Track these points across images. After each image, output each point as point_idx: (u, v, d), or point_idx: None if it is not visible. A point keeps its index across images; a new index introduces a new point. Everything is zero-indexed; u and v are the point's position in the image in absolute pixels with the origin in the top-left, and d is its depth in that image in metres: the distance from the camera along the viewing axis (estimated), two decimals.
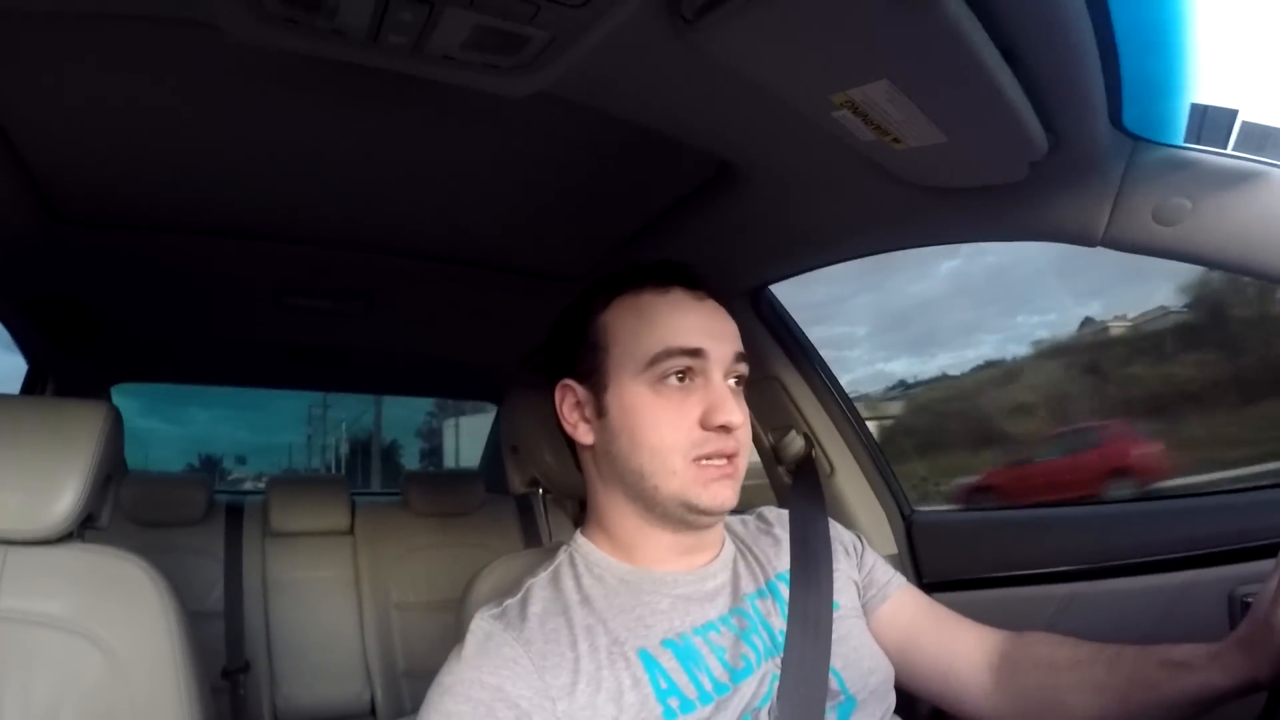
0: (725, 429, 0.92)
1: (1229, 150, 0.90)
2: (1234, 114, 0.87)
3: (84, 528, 1.20)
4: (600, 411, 0.98)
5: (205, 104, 1.10)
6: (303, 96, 1.07)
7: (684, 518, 0.95)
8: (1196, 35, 0.79)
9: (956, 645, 1.04)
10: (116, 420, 1.23)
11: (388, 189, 1.38)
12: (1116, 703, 0.90)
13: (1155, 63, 0.83)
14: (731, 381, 0.97)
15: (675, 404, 0.93)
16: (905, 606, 1.09)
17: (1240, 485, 1.06)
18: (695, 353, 0.93)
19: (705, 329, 0.96)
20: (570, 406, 1.02)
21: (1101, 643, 0.95)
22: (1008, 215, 1.09)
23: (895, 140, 0.93)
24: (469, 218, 1.51)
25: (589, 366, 0.99)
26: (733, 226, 1.37)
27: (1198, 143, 0.91)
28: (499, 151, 1.24)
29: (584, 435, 1.01)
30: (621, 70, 0.91)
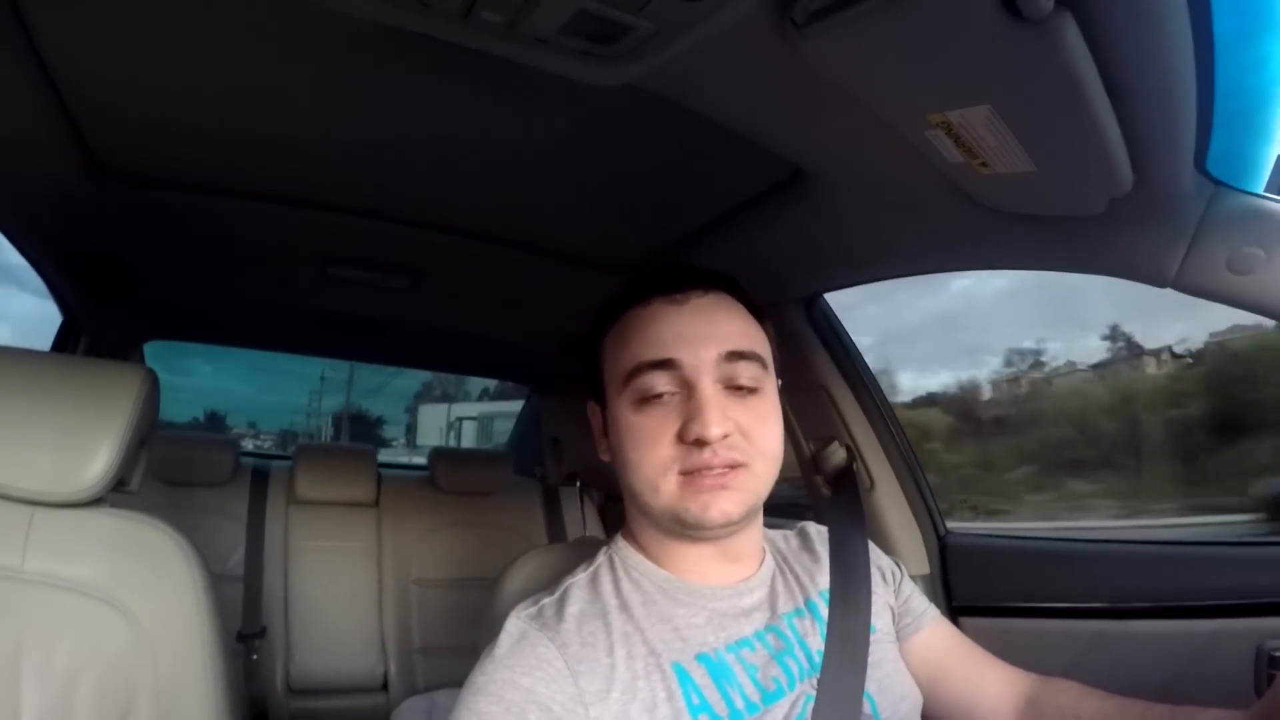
0: (701, 443, 0.88)
1: None
2: None
3: (114, 491, 1.19)
4: (606, 432, 1.01)
5: (264, 66, 1.09)
6: (367, 66, 1.06)
7: (683, 532, 0.95)
8: None
9: (984, 683, 1.05)
10: (154, 384, 1.22)
11: (445, 165, 1.37)
12: None
13: (1247, 110, 0.84)
14: (738, 382, 0.93)
15: (654, 421, 0.92)
16: (938, 638, 1.09)
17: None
18: (665, 364, 0.92)
19: (679, 335, 0.93)
20: (596, 424, 1.04)
21: (1129, 699, 0.95)
22: (1080, 248, 1.10)
23: (983, 165, 0.93)
24: (526, 200, 1.50)
25: (596, 389, 1.03)
26: (797, 232, 1.37)
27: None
28: (566, 136, 1.23)
29: (604, 453, 1.03)
30: (718, 69, 0.91)
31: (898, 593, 1.12)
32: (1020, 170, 0.92)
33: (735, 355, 0.93)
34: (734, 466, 0.90)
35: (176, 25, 1.01)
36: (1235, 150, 0.89)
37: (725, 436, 0.89)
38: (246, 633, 2.49)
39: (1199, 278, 0.99)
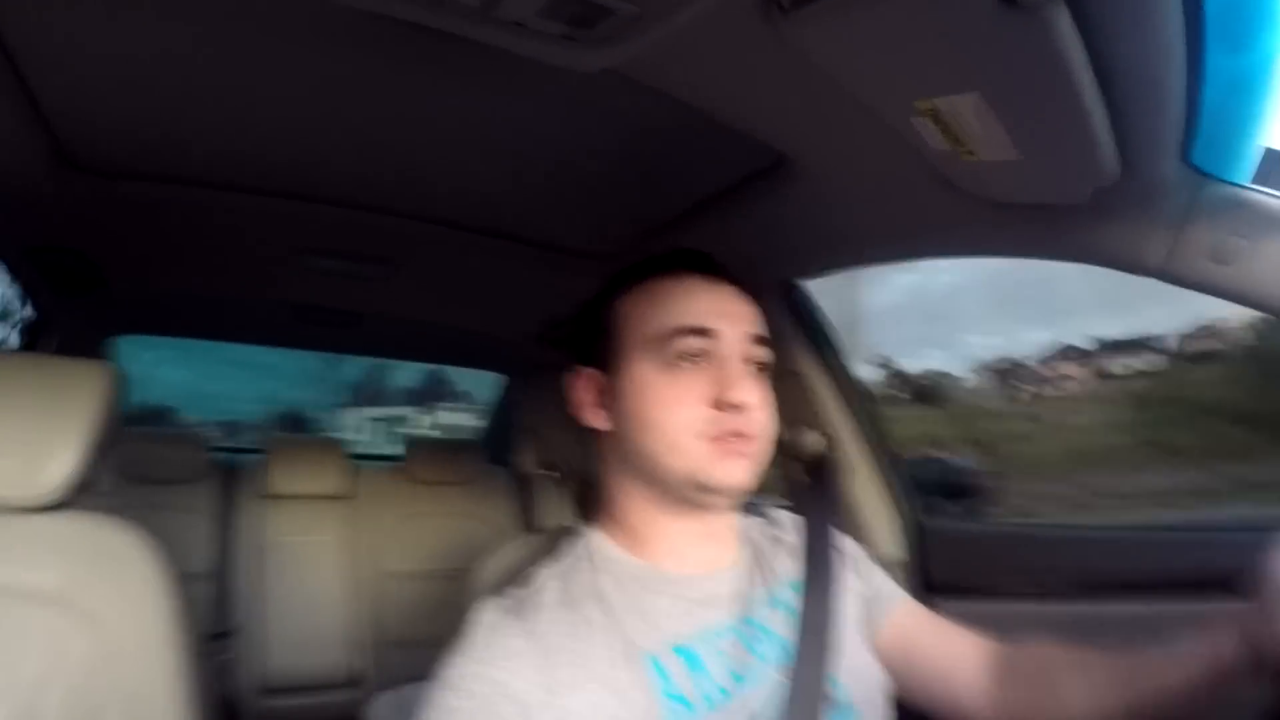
0: (737, 407, 0.90)
1: None
2: None
3: (78, 494, 1.14)
4: (613, 396, 0.98)
5: (233, 51, 1.05)
6: (339, 51, 1.03)
7: (696, 499, 0.94)
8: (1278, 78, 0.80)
9: (959, 657, 1.04)
10: (118, 381, 1.17)
11: (419, 152, 1.34)
12: (1117, 694, 0.89)
13: (1234, 103, 0.84)
14: (751, 367, 0.96)
15: (685, 384, 0.92)
16: (908, 619, 1.09)
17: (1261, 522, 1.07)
18: (705, 332, 0.93)
19: (717, 310, 0.95)
20: (585, 393, 1.02)
21: (1110, 653, 0.95)
22: (1064, 237, 1.09)
23: (968, 152, 0.92)
24: (502, 187, 1.48)
25: (601, 352, 1.00)
26: (777, 219, 1.36)
27: (1264, 185, 0.92)
28: (543, 122, 1.21)
29: (598, 421, 1.01)
30: (701, 54, 0.90)
31: (863, 577, 1.11)
32: (1006, 158, 0.92)
33: (759, 338, 0.97)
34: (751, 438, 0.92)
35: (142, 14, 0.98)
36: (1221, 141, 0.89)
37: (756, 405, 0.92)
38: (219, 632, 2.47)
39: (1182, 268, 0.99)
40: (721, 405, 0.90)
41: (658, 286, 0.99)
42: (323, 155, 1.38)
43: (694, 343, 0.93)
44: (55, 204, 1.53)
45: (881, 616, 1.08)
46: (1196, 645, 0.85)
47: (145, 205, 1.57)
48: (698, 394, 0.92)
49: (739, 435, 0.91)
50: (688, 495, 0.94)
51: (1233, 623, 0.82)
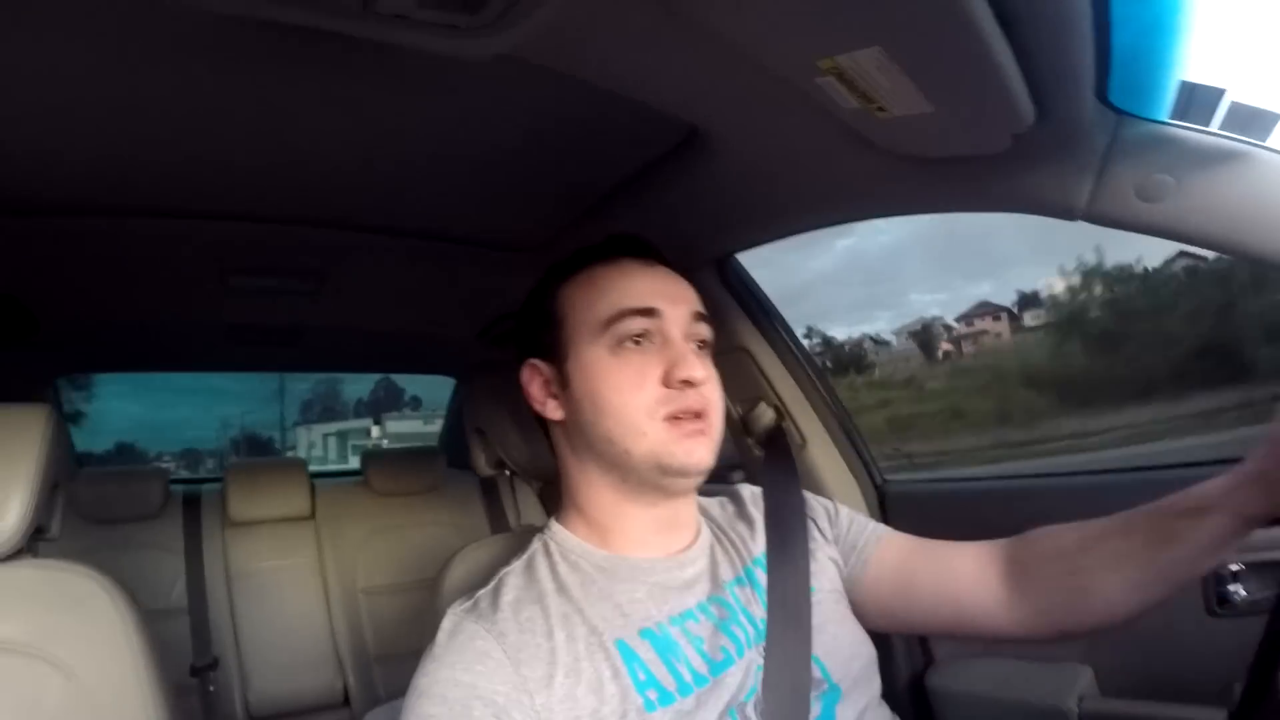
0: (688, 383, 0.92)
1: (1215, 129, 0.88)
2: (1222, 93, 0.85)
3: (34, 540, 1.14)
4: (564, 383, 0.99)
5: (135, 73, 1.02)
6: (245, 62, 1.00)
7: (659, 481, 0.94)
8: (1190, 12, 0.77)
9: (956, 569, 1.02)
10: (59, 423, 1.16)
11: (337, 161, 1.31)
12: (1140, 567, 0.88)
13: (1146, 38, 0.81)
14: (694, 345, 0.97)
15: (635, 365, 0.93)
16: (890, 553, 1.07)
17: (1224, 456, 1.08)
18: (648, 312, 0.95)
19: (657, 290, 0.98)
20: (537, 385, 1.02)
21: (1107, 518, 0.94)
22: (987, 186, 1.07)
23: (879, 109, 0.89)
24: (423, 189, 1.45)
25: (550, 342, 1.01)
26: (700, 194, 1.34)
27: (1184, 120, 0.90)
28: (454, 118, 1.19)
29: (552, 411, 1.01)
30: (591, 31, 0.88)
31: (837, 539, 1.10)
32: (919, 111, 0.89)
33: (699, 316, 1.00)
34: (703, 414, 0.94)
35: (34, 44, 0.94)
36: (1137, 79, 0.87)
37: (705, 381, 0.94)
38: (199, 665, 2.41)
39: (1109, 208, 0.98)
40: (672, 383, 0.92)
41: (597, 273, 1.00)
42: (237, 172, 1.34)
43: (638, 323, 0.94)
44: None
45: (863, 565, 1.07)
46: (1210, 491, 0.85)
47: (62, 240, 1.53)
48: (648, 374, 0.93)
49: (694, 414, 0.93)
50: (650, 478, 0.94)
51: (1244, 482, 0.82)
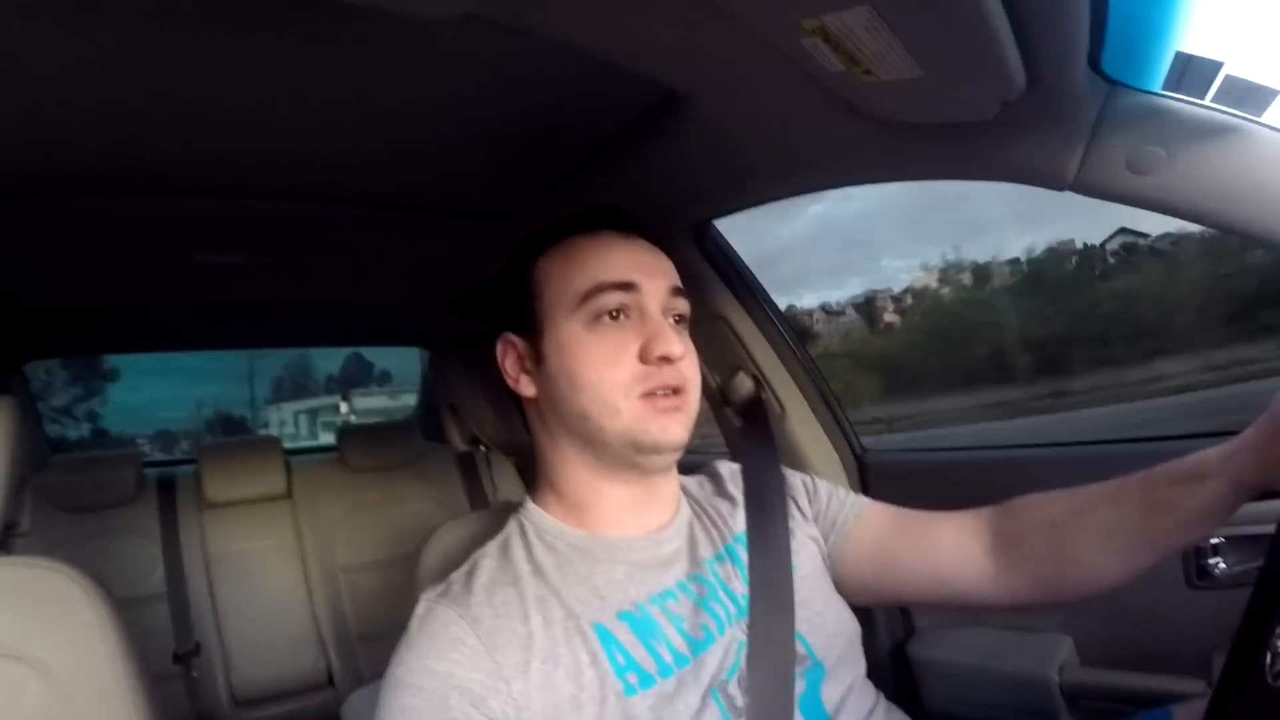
0: (666, 360, 0.91)
1: (1209, 102, 0.86)
2: (1218, 66, 0.83)
3: (6, 537, 1.13)
4: (539, 359, 0.97)
5: (88, 46, 0.97)
6: (201, 32, 0.95)
7: (633, 460, 0.93)
8: None
9: (938, 542, 1.02)
10: (24, 413, 1.13)
11: (299, 130, 1.26)
12: (1131, 536, 0.89)
13: (1143, 6, 0.79)
14: (671, 319, 0.96)
15: (612, 341, 0.92)
16: (870, 529, 1.07)
17: (1213, 430, 1.08)
18: (626, 286, 0.93)
19: (635, 263, 0.96)
20: (511, 360, 1.00)
21: (1095, 485, 0.94)
22: (975, 155, 1.05)
23: (866, 73, 0.86)
24: (391, 157, 1.41)
25: (525, 316, 0.99)
26: (676, 159, 1.31)
27: (1177, 92, 0.88)
28: (422, 84, 1.14)
29: (526, 387, 0.99)
30: None
31: (818, 517, 1.09)
32: (906, 76, 0.86)
33: (677, 290, 0.98)
34: (680, 390, 0.93)
35: None
36: (1131, 48, 0.85)
37: (682, 357, 0.93)
38: (182, 652, 2.40)
39: (1098, 179, 0.96)
40: (649, 359, 0.91)
41: (574, 245, 0.98)
42: (197, 146, 1.29)
43: (615, 297, 0.93)
44: None
45: (843, 541, 1.06)
46: (1207, 458, 0.85)
47: (19, 223, 1.47)
48: (625, 349, 0.92)
49: (670, 390, 0.92)
50: (625, 456, 0.93)
51: (1242, 451, 0.83)
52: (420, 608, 0.87)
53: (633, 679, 0.83)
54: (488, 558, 0.94)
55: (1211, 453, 0.84)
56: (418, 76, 1.12)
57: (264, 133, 1.26)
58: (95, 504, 2.52)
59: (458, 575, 0.92)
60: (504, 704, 0.78)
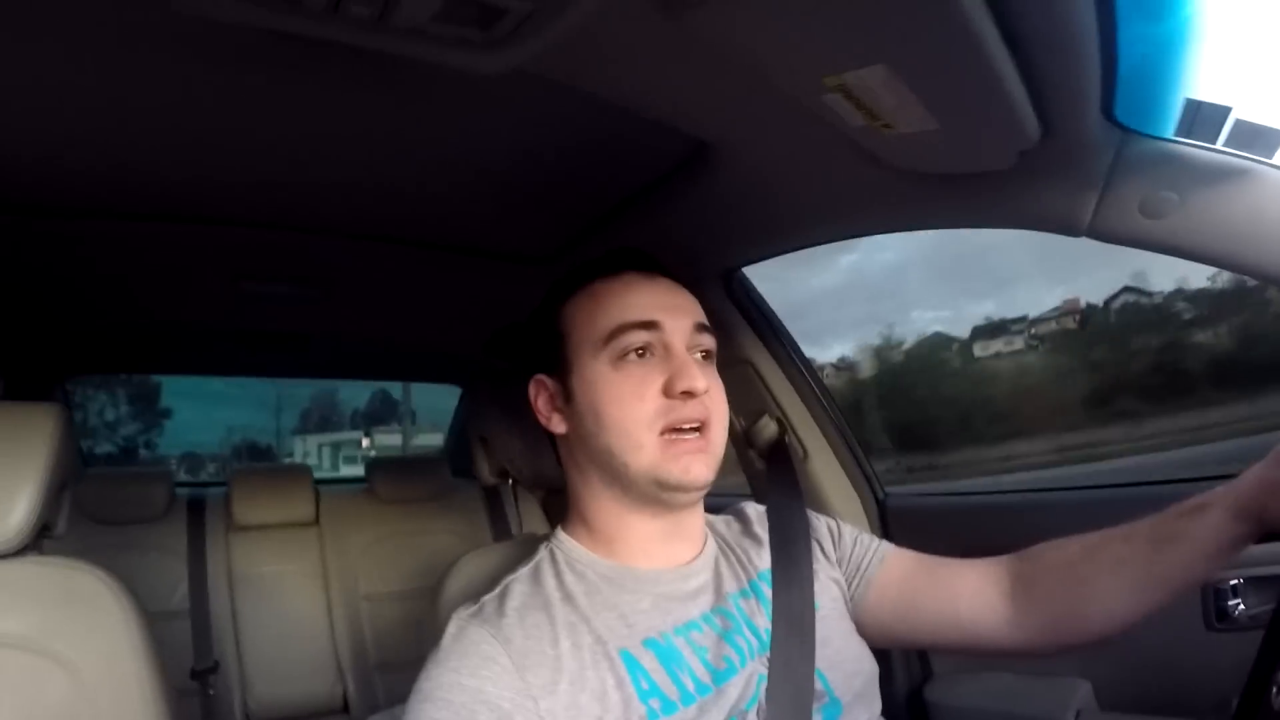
0: (689, 394, 0.92)
1: (1219, 146, 0.88)
2: (1227, 110, 0.85)
3: (40, 538, 1.15)
4: (568, 397, 0.99)
5: (153, 82, 1.03)
6: (257, 73, 1.01)
7: (658, 496, 0.94)
8: (1196, 30, 0.78)
9: (958, 588, 1.03)
10: (68, 421, 1.17)
11: (347, 169, 1.32)
12: (1141, 570, 0.89)
13: (1152, 56, 0.82)
14: (697, 355, 0.98)
15: (637, 377, 0.94)
16: (893, 572, 1.08)
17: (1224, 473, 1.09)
18: (649, 325, 0.95)
19: (658, 303, 0.98)
20: (543, 400, 1.03)
21: (1108, 529, 0.95)
22: (993, 203, 1.08)
23: (886, 125, 0.90)
24: (434, 200, 1.46)
25: (554, 357, 1.01)
26: (708, 208, 1.35)
27: (1189, 138, 0.90)
28: (464, 130, 1.19)
29: (557, 425, 1.02)
30: (603, 47, 0.88)
31: (840, 561, 1.10)
32: (924, 129, 0.90)
33: (702, 327, 1.00)
34: (703, 426, 0.94)
35: (50, 53, 0.95)
36: (1143, 96, 0.88)
37: (706, 391, 0.93)
38: (199, 668, 2.41)
39: (1113, 225, 0.98)
40: (672, 393, 0.92)
41: (600, 288, 1.00)
42: (250, 180, 1.35)
43: (640, 336, 0.95)
44: None
45: (865, 585, 1.08)
46: (1214, 493, 0.86)
47: (79, 242, 1.54)
48: (649, 385, 0.93)
49: (693, 428, 0.93)
50: (650, 492, 0.94)
51: (1245, 484, 0.84)
52: (453, 626, 0.89)
53: (656, 704, 0.84)
54: (519, 582, 0.95)
55: (1218, 488, 0.86)
56: (462, 124, 1.17)
57: (315, 170, 1.31)
58: (125, 518, 2.56)
59: (490, 597, 0.93)
60: None
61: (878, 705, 1.01)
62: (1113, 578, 0.91)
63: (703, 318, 1.01)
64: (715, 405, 0.96)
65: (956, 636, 1.04)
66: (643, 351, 0.95)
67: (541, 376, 1.03)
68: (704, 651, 0.91)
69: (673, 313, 0.97)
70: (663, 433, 0.92)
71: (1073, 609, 0.95)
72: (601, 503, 0.99)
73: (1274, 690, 0.70)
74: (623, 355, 0.95)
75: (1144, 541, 0.89)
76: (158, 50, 0.96)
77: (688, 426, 0.93)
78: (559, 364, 1.00)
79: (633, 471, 0.93)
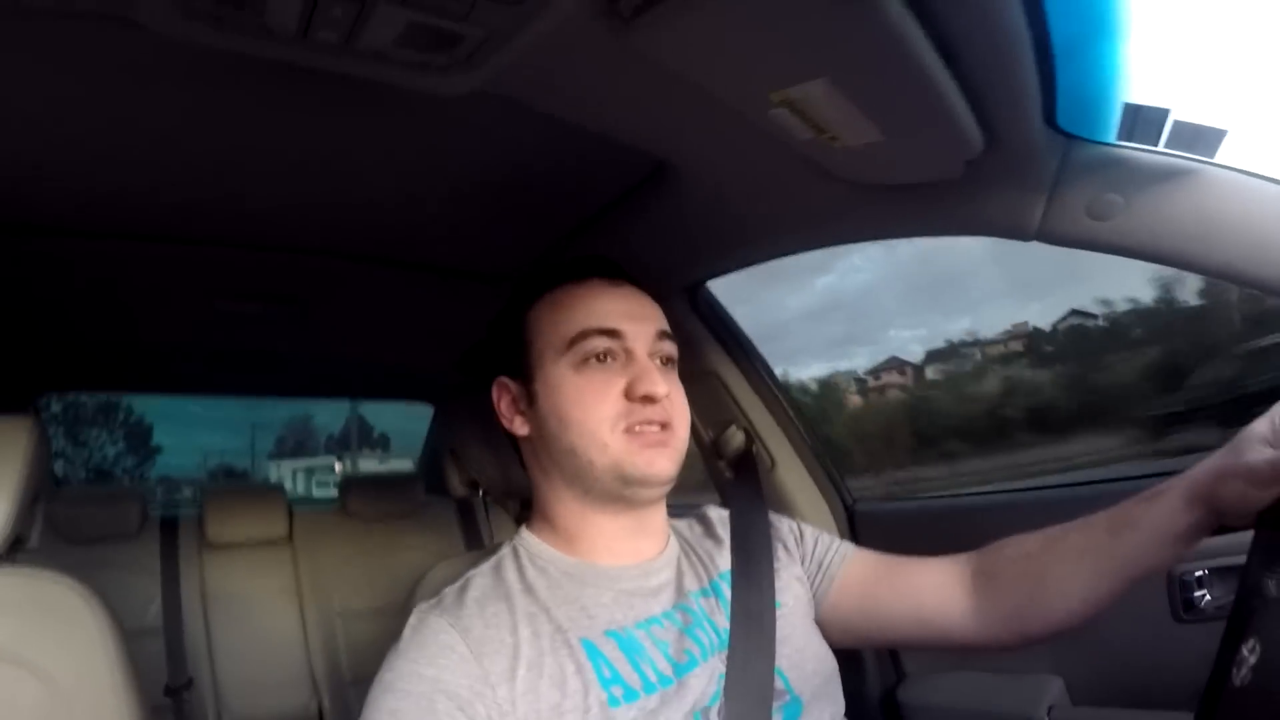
0: (649, 399, 0.94)
1: (1161, 148, 0.91)
2: (1166, 113, 0.87)
3: (12, 550, 1.14)
4: (530, 400, 1.01)
5: (125, 103, 1.04)
6: (228, 94, 1.02)
7: (621, 492, 0.96)
8: (1130, 35, 0.80)
9: (920, 584, 1.04)
10: (42, 435, 1.17)
11: (318, 189, 1.33)
12: (1098, 558, 0.90)
13: (1089, 63, 0.84)
14: (658, 361, 0.99)
15: (599, 380, 0.95)
16: (854, 571, 1.09)
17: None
18: (612, 333, 0.97)
19: (621, 311, 0.99)
20: (506, 402, 1.04)
21: (1067, 523, 0.95)
22: (943, 212, 1.10)
23: (833, 138, 0.92)
24: (401, 218, 1.47)
25: (518, 361, 1.03)
26: (669, 224, 1.36)
27: (1130, 140, 0.92)
28: (430, 150, 1.21)
29: (520, 427, 1.03)
30: (557, 69, 0.90)
31: (803, 558, 1.11)
32: (869, 140, 0.92)
33: (664, 334, 1.01)
34: (666, 425, 0.96)
35: (24, 71, 0.96)
36: (1084, 103, 0.90)
37: (666, 395, 0.95)
38: (174, 685, 2.39)
39: (1061, 229, 1.00)
40: (633, 397, 0.94)
41: (564, 293, 1.02)
42: (226, 199, 1.36)
43: (602, 342, 0.96)
44: None
45: (830, 582, 1.08)
46: (1172, 481, 0.86)
47: (51, 261, 1.54)
48: (610, 388, 0.95)
49: (657, 425, 0.95)
50: (613, 489, 0.96)
51: (1199, 471, 0.84)
52: (413, 618, 0.90)
53: (617, 691, 0.85)
54: (480, 575, 0.97)
55: (1179, 477, 0.86)
56: (427, 144, 1.18)
57: (287, 190, 1.33)
58: (98, 536, 2.53)
59: (450, 590, 0.95)
60: (489, 709, 0.81)
61: (840, 704, 1.02)
62: (1072, 567, 0.92)
63: (665, 325, 1.02)
64: (676, 408, 0.98)
65: (921, 632, 1.04)
66: (604, 356, 0.96)
67: (505, 379, 1.04)
68: (665, 645, 0.92)
69: (635, 320, 0.99)
70: (626, 430, 0.94)
71: (1033, 599, 0.95)
72: (565, 503, 1.00)
73: (1234, 670, 0.71)
74: (585, 360, 0.96)
75: (1102, 530, 0.90)
76: (133, 73, 0.97)
77: (650, 425, 0.95)
78: (522, 368, 1.02)
79: (598, 469, 0.95)
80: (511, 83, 0.92)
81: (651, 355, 0.98)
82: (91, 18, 0.83)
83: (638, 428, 0.94)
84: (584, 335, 0.96)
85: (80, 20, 0.85)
